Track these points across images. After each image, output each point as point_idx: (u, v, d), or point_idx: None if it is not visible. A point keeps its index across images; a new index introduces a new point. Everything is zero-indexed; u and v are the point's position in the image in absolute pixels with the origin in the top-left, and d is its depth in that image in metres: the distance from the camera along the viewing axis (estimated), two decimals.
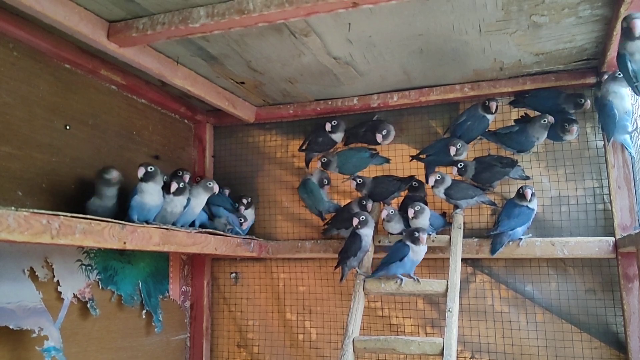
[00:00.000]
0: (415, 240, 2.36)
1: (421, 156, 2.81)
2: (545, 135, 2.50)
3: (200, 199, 2.49)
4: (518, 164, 2.61)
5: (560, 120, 2.45)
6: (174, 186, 2.31)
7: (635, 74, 1.79)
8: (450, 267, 2.41)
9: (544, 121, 2.45)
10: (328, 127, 2.88)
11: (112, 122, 2.59)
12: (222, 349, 3.13)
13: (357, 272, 2.57)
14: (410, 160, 2.85)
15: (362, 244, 2.51)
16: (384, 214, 2.58)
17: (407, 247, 2.38)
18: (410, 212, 2.50)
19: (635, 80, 1.81)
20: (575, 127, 2.42)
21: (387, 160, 2.89)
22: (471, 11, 1.99)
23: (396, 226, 2.61)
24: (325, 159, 2.90)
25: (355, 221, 2.49)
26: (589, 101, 2.47)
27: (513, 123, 2.69)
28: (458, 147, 2.57)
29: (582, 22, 2.07)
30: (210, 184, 2.51)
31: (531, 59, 2.43)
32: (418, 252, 2.39)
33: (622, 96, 2.23)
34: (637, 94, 1.88)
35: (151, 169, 2.22)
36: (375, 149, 2.90)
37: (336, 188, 3.01)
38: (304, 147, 3.04)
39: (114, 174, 2.18)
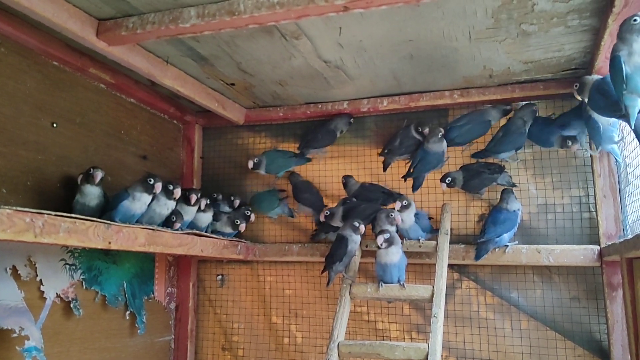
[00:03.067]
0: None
1: (411, 170, 2.79)
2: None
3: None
4: (505, 170, 2.63)
5: (562, 137, 2.49)
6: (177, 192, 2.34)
7: (628, 77, 1.75)
8: (437, 272, 2.41)
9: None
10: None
11: (100, 121, 2.57)
12: (207, 352, 3.11)
13: (344, 276, 2.56)
14: (405, 180, 2.84)
15: (347, 248, 2.50)
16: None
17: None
18: (397, 205, 2.53)
19: (626, 86, 1.77)
20: (577, 145, 2.48)
21: (309, 159, 3.02)
22: (461, 18, 2.00)
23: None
24: (257, 159, 2.96)
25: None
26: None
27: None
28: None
29: (570, 31, 2.09)
30: (170, 186, 2.35)
31: (520, 67, 2.45)
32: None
33: None
34: (620, 103, 1.83)
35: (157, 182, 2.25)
36: (297, 152, 3.04)
37: (324, 192, 3.01)
38: (302, 146, 3.04)
39: (98, 174, 2.14)
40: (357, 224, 2.51)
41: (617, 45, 1.80)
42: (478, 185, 2.62)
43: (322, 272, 2.61)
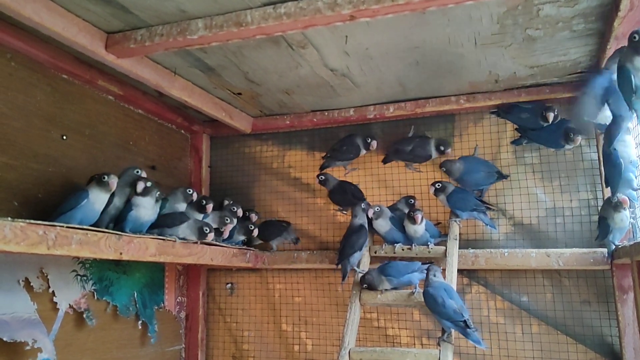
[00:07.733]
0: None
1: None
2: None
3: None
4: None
5: (564, 130, 2.46)
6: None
7: (637, 88, 1.78)
8: (446, 278, 2.41)
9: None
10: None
11: (108, 133, 2.59)
12: None
13: (356, 270, 2.58)
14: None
15: (366, 237, 2.61)
16: (370, 212, 2.64)
17: None
18: (370, 212, 2.62)
19: (635, 95, 1.80)
20: (579, 138, 2.42)
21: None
22: (467, 24, 2.01)
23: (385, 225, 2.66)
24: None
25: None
26: (551, 115, 2.50)
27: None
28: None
29: (576, 35, 2.09)
30: (190, 191, 2.52)
31: (526, 71, 2.45)
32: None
33: (628, 144, 2.17)
34: (630, 107, 1.88)
35: (149, 184, 2.25)
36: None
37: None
38: (327, 155, 2.99)
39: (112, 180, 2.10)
40: (366, 208, 2.67)
41: (625, 57, 1.82)
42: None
43: (337, 264, 2.66)
